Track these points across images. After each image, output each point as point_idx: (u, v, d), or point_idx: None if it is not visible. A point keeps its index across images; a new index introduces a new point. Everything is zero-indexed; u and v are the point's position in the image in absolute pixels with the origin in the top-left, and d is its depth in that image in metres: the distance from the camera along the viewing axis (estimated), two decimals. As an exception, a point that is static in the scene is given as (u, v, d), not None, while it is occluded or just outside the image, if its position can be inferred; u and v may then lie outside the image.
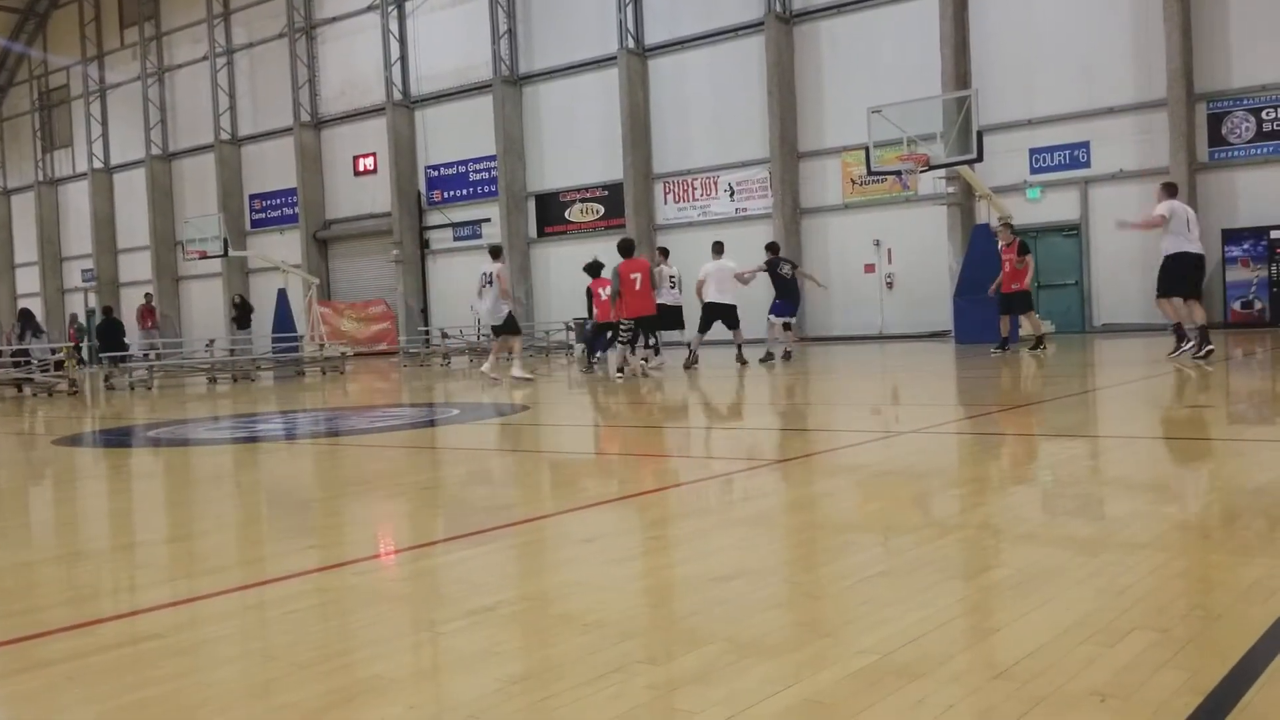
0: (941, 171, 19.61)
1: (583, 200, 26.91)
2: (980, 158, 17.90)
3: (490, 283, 13.83)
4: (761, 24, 23.73)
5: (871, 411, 9.30)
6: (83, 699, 2.49)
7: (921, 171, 18.52)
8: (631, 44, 25.53)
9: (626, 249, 13.62)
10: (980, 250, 18.44)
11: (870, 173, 19.78)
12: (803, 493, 5.07)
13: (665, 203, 25.80)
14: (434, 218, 29.85)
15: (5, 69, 39.12)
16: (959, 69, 21.49)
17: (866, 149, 18.83)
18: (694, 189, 25.36)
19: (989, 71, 21.37)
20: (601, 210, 26.74)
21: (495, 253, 14.72)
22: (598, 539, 4.15)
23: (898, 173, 18.88)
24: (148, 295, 28.13)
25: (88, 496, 6.53)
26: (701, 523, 4.41)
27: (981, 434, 7.00)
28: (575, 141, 26.95)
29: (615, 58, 25.67)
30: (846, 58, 23.15)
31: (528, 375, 13.95)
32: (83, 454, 8.66)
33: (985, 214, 19.31)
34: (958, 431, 7.15)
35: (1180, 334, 12.16)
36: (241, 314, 25.93)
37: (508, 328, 14.10)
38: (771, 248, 16.51)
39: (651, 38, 25.59)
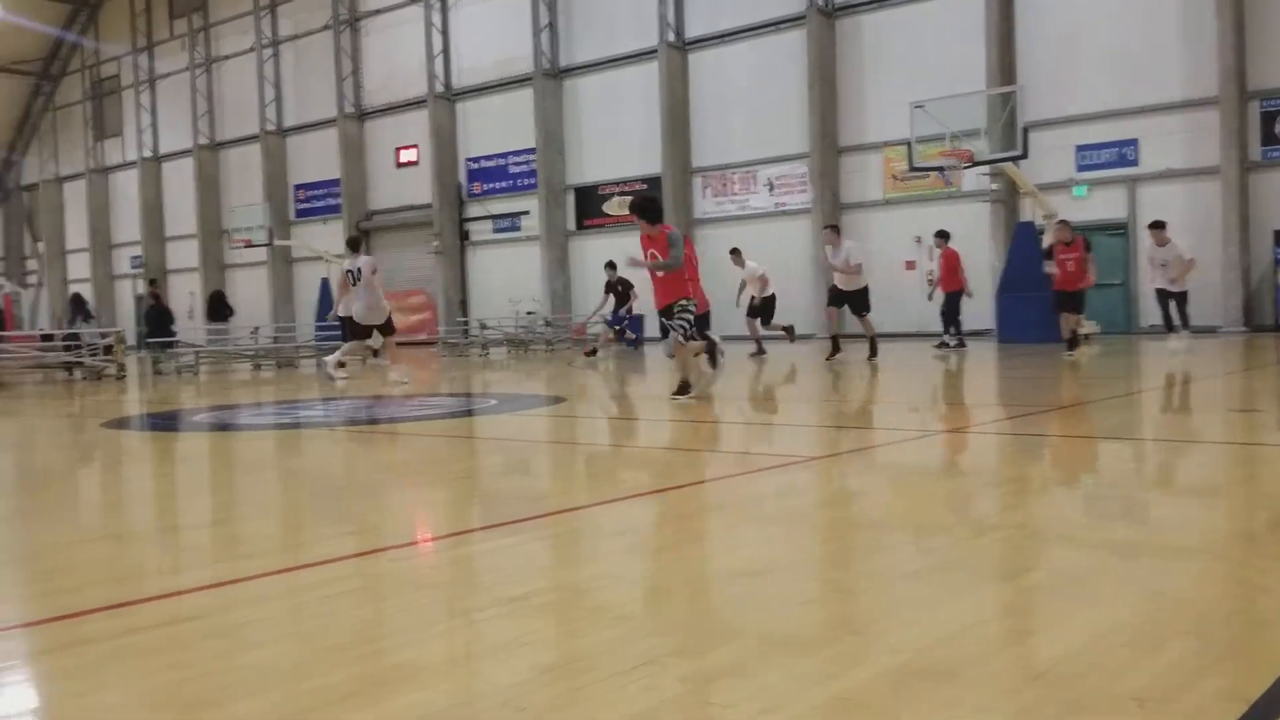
0: (984, 168, 19.40)
1: (621, 193, 26.90)
2: (1025, 154, 17.69)
3: (358, 279, 12.93)
4: (803, 17, 23.58)
5: (910, 409, 9.23)
6: (122, 677, 2.53)
7: (965, 168, 18.33)
8: (672, 37, 25.48)
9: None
10: (1023, 248, 18.22)
11: (912, 168, 19.62)
12: (838, 489, 5.05)
13: (704, 197, 25.74)
14: (473, 209, 30.00)
15: (58, 59, 39.73)
16: (1004, 64, 21.24)
17: (909, 144, 18.67)
18: (733, 183, 25.28)
19: (1034, 66, 21.11)
20: (641, 204, 26.79)
21: (355, 245, 13.99)
22: (630, 532, 4.15)
23: (940, 169, 18.70)
24: (152, 281, 28.05)
25: (133, 479, 6.63)
26: (734, 517, 4.40)
27: (1024, 434, 6.92)
28: (614, 135, 26.96)
29: (655, 51, 25.63)
30: (889, 52, 22.95)
31: (405, 380, 12.74)
32: (129, 437, 8.79)
33: (1029, 212, 19.09)
34: (999, 431, 7.08)
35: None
36: (216, 307, 25.59)
37: (389, 327, 13.23)
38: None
39: (692, 31, 25.53)
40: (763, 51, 24.56)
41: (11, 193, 41.66)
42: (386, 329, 13.21)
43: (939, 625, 2.64)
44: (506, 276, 28.98)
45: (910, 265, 23.23)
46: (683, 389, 9.17)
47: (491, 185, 29.49)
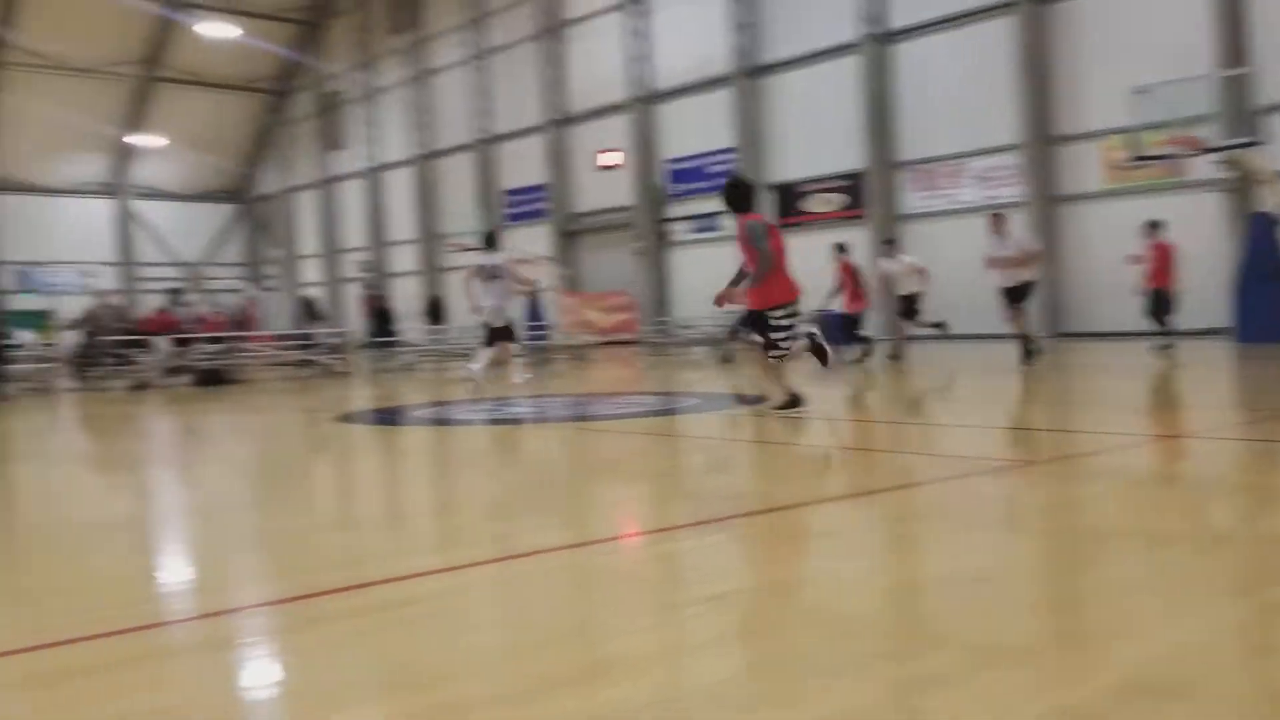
0: (1214, 155, 18.09)
1: (822, 190, 26.58)
2: (1261, 141, 16.39)
3: (496, 275, 12.11)
4: (1013, 3, 22.64)
5: (1138, 413, 8.72)
6: (356, 654, 2.72)
7: (1192, 157, 17.15)
8: (873, 30, 24.98)
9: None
10: (1260, 240, 16.90)
11: (1134, 158, 18.51)
12: (1061, 495, 4.83)
13: (909, 192, 25.11)
14: (673, 210, 30.32)
15: (289, 78, 42.63)
16: (1233, 46, 19.71)
17: (1130, 133, 17.63)
18: (939, 177, 24.54)
19: (1268, 47, 19.51)
20: (842, 200, 26.36)
21: (492, 240, 12.84)
22: (838, 533, 4.11)
23: (1165, 158, 17.56)
24: (368, 285, 29.65)
25: (362, 470, 7.08)
26: (948, 522, 4.29)
27: (1268, 441, 6.43)
28: (814, 131, 26.66)
29: (856, 45, 25.19)
30: (1105, 36, 21.71)
31: (520, 380, 12.37)
32: (357, 431, 9.36)
33: (1268, 201, 17.65)
34: (1240, 437, 6.60)
35: None
36: (433, 310, 27.39)
37: (508, 333, 12.44)
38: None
39: (894, 22, 24.94)
40: (970, 40, 23.72)
41: (251, 203, 45.01)
42: (508, 333, 12.62)
43: (1169, 640, 2.51)
44: (706, 276, 29.12)
45: (1135, 259, 21.92)
46: (792, 402, 7.84)
47: (691, 186, 29.73)
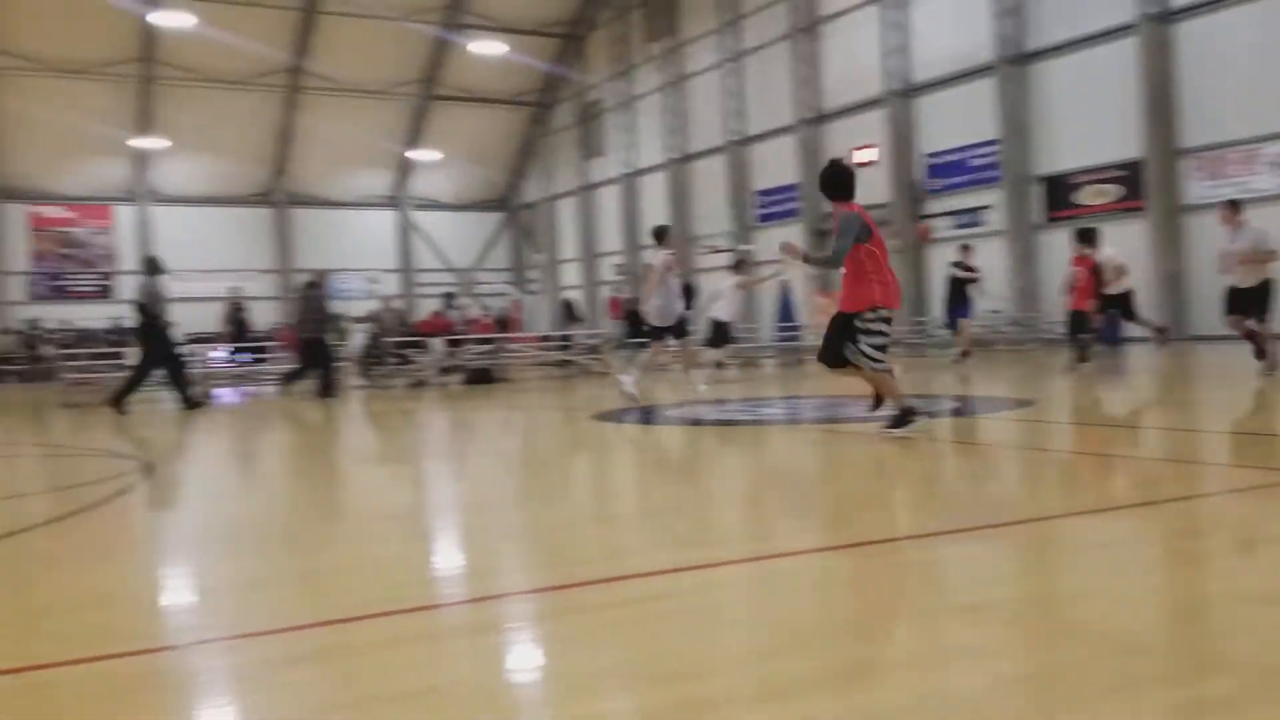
0: None
1: (1095, 181, 25.00)
2: None
3: (668, 272, 11.82)
4: (1320, -32, 20.46)
5: None
6: (610, 645, 2.81)
7: None
8: (1152, 9, 23.23)
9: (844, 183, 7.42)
10: None
11: None
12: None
13: (1194, 181, 23.19)
14: (931, 206, 29.39)
15: (552, 90, 44.48)
16: None
17: None
18: (1229, 164, 22.52)
19: None
20: (1117, 191, 24.68)
21: (660, 236, 12.35)
22: (1112, 546, 3.87)
23: None
24: (616, 287, 30.34)
25: (618, 467, 7.30)
26: (1235, 537, 3.95)
27: None
28: (1086, 119, 25.09)
29: (1133, 26, 23.50)
30: None
31: (705, 385, 11.91)
32: (614, 429, 9.66)
33: None
34: None
35: None
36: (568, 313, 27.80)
37: (679, 330, 11.96)
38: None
39: (1175, 1, 23.11)
40: (1267, 13, 21.64)
41: (516, 211, 47.31)
42: (677, 331, 12.27)
43: None
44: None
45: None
46: (905, 416, 7.05)
47: (951, 180, 28.73)
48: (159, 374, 13.97)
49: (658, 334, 12.27)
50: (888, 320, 7.00)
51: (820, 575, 3.59)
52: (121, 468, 7.86)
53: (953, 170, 28.87)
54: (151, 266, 13.81)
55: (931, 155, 29.45)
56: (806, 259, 7.71)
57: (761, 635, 2.88)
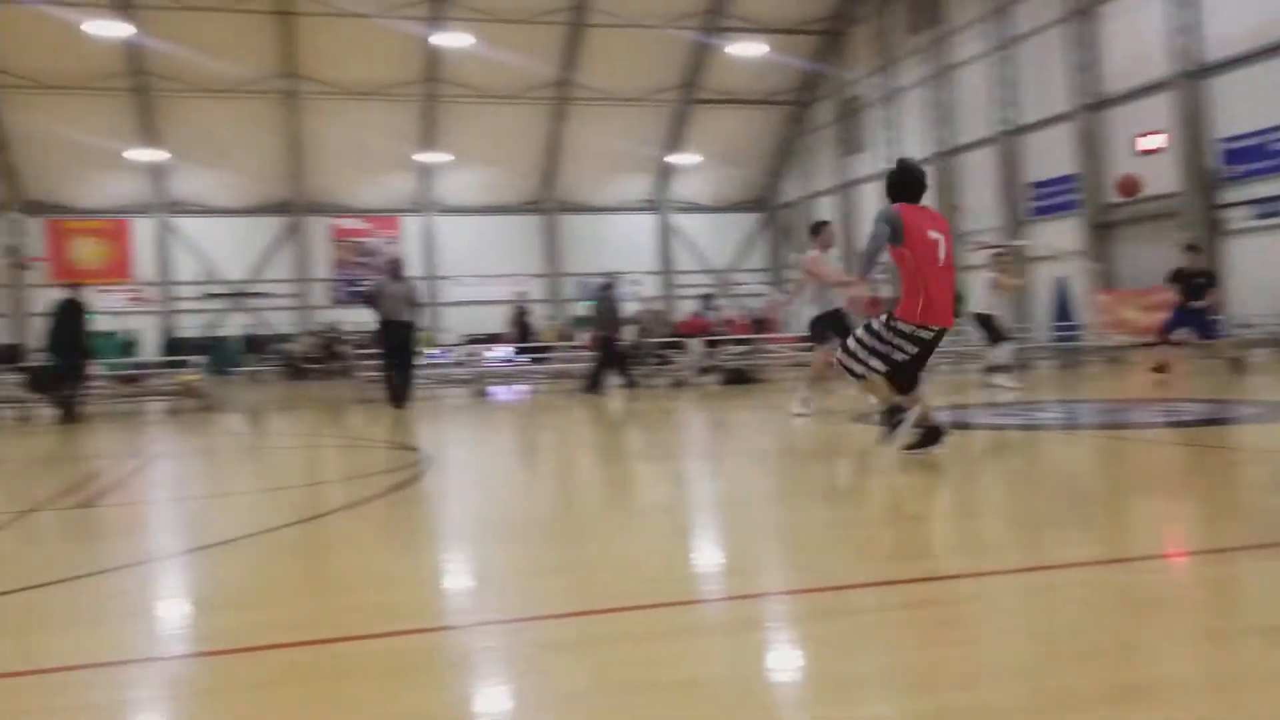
0: None
1: None
2: None
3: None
4: None
5: None
6: (876, 650, 2.76)
7: None
8: None
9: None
10: None
11: None
12: None
13: None
14: (1228, 195, 26.92)
15: (810, 88, 44.12)
16: None
17: None
18: None
19: None
20: None
21: (817, 232, 11.18)
22: None
23: None
24: (872, 286, 29.03)
25: (876, 470, 7.14)
26: None
27: None
28: None
29: None
30: None
31: (806, 411, 10.41)
32: (870, 431, 9.46)
33: None
34: None
35: None
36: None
37: (818, 335, 10.73)
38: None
39: None
40: None
41: (774, 211, 47.25)
42: (815, 337, 11.04)
43: None
44: (1272, 267, 25.53)
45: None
46: (930, 436, 6.36)
47: (1251, 167, 26.21)
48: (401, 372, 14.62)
49: (819, 336, 11.04)
50: (915, 340, 6.13)
51: (1099, 589, 3.37)
52: (407, 459, 8.47)
53: (1253, 155, 26.37)
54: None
55: (1227, 140, 27.01)
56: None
57: (1030, 648, 2.75)
